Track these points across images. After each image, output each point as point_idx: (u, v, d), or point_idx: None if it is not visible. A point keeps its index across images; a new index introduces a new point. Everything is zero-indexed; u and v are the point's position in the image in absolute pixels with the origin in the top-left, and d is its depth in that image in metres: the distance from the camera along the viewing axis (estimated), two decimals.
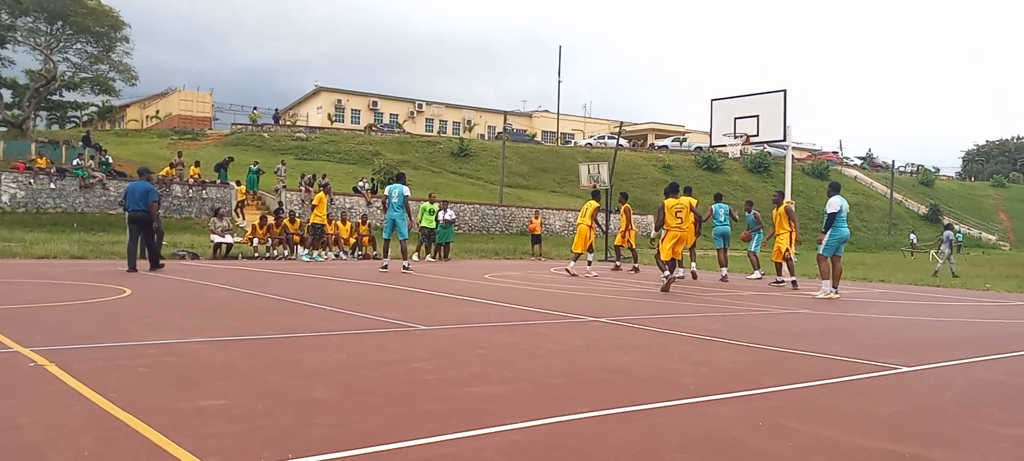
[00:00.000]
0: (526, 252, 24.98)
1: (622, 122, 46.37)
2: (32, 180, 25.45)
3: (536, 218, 26.11)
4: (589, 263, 16.43)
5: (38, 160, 27.47)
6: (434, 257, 20.83)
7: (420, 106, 66.53)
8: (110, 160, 29.96)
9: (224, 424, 3.35)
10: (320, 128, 53.55)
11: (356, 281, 12.30)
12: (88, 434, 3.11)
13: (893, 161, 63.76)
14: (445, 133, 62.56)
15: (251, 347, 5.60)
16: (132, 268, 12.63)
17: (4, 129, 36.44)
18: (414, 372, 4.79)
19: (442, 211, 21.12)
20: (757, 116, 15.91)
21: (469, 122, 65.49)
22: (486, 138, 61.97)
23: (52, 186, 25.86)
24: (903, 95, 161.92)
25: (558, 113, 66.74)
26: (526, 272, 16.46)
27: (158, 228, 14.01)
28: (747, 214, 16.76)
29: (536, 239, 25.25)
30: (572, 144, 62.82)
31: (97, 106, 47.42)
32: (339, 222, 21.60)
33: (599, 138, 61.82)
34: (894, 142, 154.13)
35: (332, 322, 7.21)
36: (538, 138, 63.54)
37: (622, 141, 48.44)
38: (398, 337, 6.34)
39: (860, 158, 72.70)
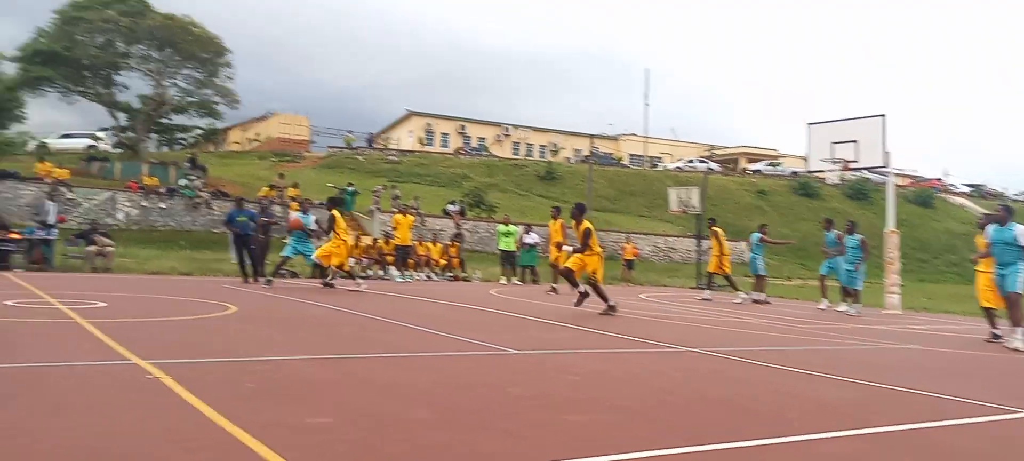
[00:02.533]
0: (615, 277, 24.74)
1: (712, 145, 45.55)
2: (144, 199, 26.99)
3: (628, 243, 25.83)
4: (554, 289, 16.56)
5: (149, 180, 29.13)
6: (521, 280, 20.89)
7: (507, 130, 67.20)
8: (206, 181, 31.47)
9: (330, 442, 3.43)
10: (411, 151, 54.79)
11: (446, 302, 12.45)
12: (204, 446, 3.25)
13: (1006, 189, 60.24)
14: (531, 156, 62.94)
15: (350, 366, 5.73)
16: (245, 279, 14.85)
17: (119, 151, 38.85)
18: (509, 397, 4.80)
19: (525, 234, 21.18)
20: (855, 141, 15.37)
21: (554, 145, 65.72)
22: (572, 161, 62.02)
23: (162, 205, 27.35)
24: (1012, 120, 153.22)
25: (645, 136, 66.16)
26: (615, 298, 16.28)
27: (261, 242, 15.40)
28: (827, 233, 16.04)
29: (629, 264, 24.97)
30: (660, 167, 62.11)
31: (202, 129, 49.97)
32: (430, 243, 21.98)
33: (688, 161, 60.90)
34: (1004, 169, 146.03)
35: (425, 343, 7.31)
36: (625, 161, 63.12)
37: (713, 165, 47.69)
38: (490, 360, 6.37)
39: (969, 185, 68.90)
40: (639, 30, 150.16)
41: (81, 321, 7.25)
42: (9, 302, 8.81)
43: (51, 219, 17.39)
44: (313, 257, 15.54)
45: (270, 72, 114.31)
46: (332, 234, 14.72)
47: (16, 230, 17.34)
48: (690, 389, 5.48)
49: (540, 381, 5.48)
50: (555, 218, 17.41)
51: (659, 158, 68.23)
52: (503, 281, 20.30)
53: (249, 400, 4.23)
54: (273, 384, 4.76)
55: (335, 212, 14.82)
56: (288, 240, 15.64)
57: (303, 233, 15.44)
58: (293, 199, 29.68)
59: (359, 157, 48.95)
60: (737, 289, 17.23)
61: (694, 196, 22.94)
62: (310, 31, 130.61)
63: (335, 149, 51.57)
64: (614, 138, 71.06)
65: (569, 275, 11.77)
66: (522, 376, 5.64)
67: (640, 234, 37.02)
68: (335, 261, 14.57)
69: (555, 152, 63.74)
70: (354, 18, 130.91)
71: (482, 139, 65.40)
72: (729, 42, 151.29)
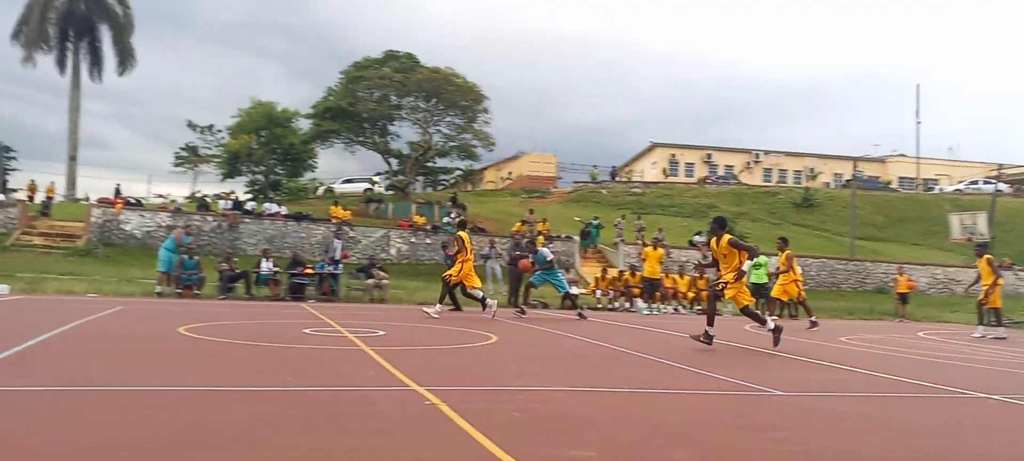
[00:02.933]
0: (886, 312, 22.55)
1: (1000, 165, 40.11)
2: (413, 236, 29.58)
3: (901, 274, 23.49)
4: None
5: (417, 219, 31.89)
6: (778, 314, 19.76)
7: (757, 156, 64.43)
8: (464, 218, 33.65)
9: None
10: (655, 182, 54.52)
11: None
12: None
13: None
14: (784, 183, 59.72)
15: (606, 399, 5.79)
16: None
17: (392, 193, 42.96)
18: (774, 442, 4.55)
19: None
20: None
21: (812, 170, 61.76)
22: (831, 186, 57.86)
23: (428, 241, 29.78)
24: None
25: (917, 157, 59.94)
26: (889, 335, 14.85)
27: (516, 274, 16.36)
28: None
29: (903, 298, 22.66)
30: (936, 190, 55.84)
31: (462, 170, 53.76)
32: (677, 275, 21.64)
33: (970, 183, 54.09)
34: None
35: (678, 379, 7.19)
36: (893, 185, 57.61)
37: (1001, 186, 41.94)
38: (751, 401, 6.09)
39: None
40: (908, 45, 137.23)
41: (365, 348, 8.08)
42: (307, 330, 10.07)
43: (337, 255, 19.65)
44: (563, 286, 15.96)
45: (521, 115, 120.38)
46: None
47: (310, 265, 19.82)
48: (989, 442, 4.82)
49: (808, 427, 5.14)
50: (782, 250, 16.51)
51: (934, 180, 61.41)
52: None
53: (517, 430, 4.44)
54: (536, 414, 4.95)
55: (462, 234, 15.08)
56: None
57: (549, 264, 15.94)
58: (540, 234, 30.86)
59: (603, 190, 49.66)
60: (996, 324, 15.34)
61: (981, 221, 20.34)
62: (556, 74, 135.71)
63: (581, 184, 52.84)
64: (880, 160, 65.23)
65: (749, 313, 10.52)
66: (787, 420, 5.34)
67: (915, 264, 33.43)
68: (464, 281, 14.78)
69: (813, 177, 59.95)
70: (598, 58, 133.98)
71: (730, 167, 63.32)
72: (1017, 51, 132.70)
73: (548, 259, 16.27)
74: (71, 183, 39.02)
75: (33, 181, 32.77)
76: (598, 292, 20.20)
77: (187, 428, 4.13)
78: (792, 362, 9.10)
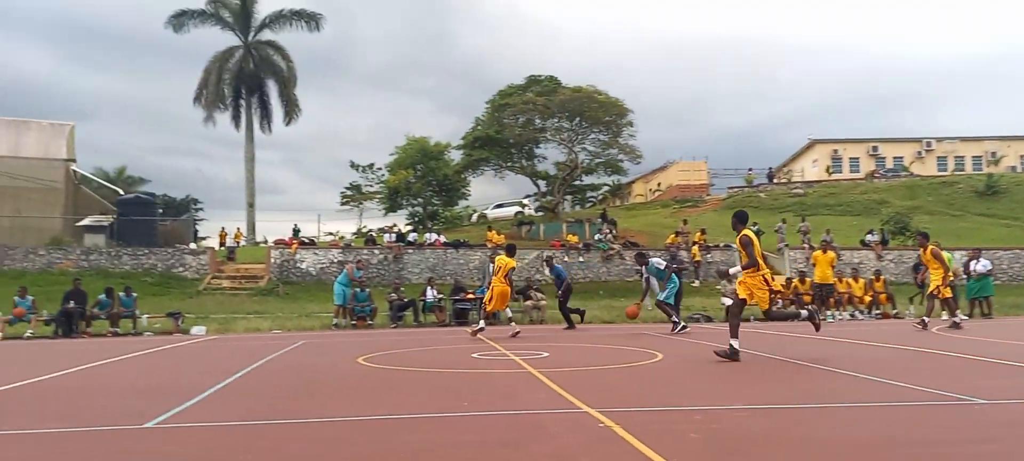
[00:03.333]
0: None
1: None
2: (565, 255, 29.72)
3: None
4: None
5: (569, 237, 32.02)
6: (969, 314, 18.11)
7: (928, 144, 59.63)
8: (616, 233, 33.35)
9: None
10: (817, 181, 51.76)
11: (878, 344, 11.34)
12: None
13: None
14: (962, 170, 54.85)
15: (788, 417, 5.51)
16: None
17: (541, 213, 43.43)
18: (983, 456, 4.15)
19: (974, 261, 18.37)
20: None
21: (994, 154, 56.33)
22: (1019, 170, 52.49)
23: (580, 259, 29.82)
24: None
25: None
26: None
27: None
28: None
29: None
30: None
31: (609, 185, 53.47)
32: (851, 279, 20.36)
33: None
34: None
35: (866, 390, 6.72)
36: None
37: None
38: (952, 412, 5.59)
39: None
40: None
41: (533, 371, 8.18)
42: (475, 355, 10.33)
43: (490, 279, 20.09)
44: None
45: (667, 125, 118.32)
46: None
47: (470, 290, 20.37)
48: None
49: (1022, 438, 4.65)
50: (923, 247, 14.99)
51: None
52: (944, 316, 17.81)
53: (697, 452, 4.31)
54: (715, 435, 4.79)
55: (499, 257, 14.72)
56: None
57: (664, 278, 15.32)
58: (695, 244, 30.05)
59: (761, 194, 47.74)
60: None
61: None
62: (701, 79, 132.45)
63: (735, 189, 51.05)
64: None
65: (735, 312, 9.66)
66: (998, 431, 4.85)
67: None
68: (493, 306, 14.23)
69: (995, 161, 54.69)
70: (744, 58, 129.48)
71: (899, 159, 59.02)
72: None
73: (661, 267, 15.62)
74: (251, 228, 42.45)
75: (224, 229, 36.03)
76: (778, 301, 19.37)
77: (375, 457, 4.33)
78: (996, 367, 8.28)
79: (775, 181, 53.97)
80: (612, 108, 39.92)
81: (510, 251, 15.02)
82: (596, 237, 32.16)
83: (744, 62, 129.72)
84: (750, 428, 5.05)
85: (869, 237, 31.26)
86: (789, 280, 20.56)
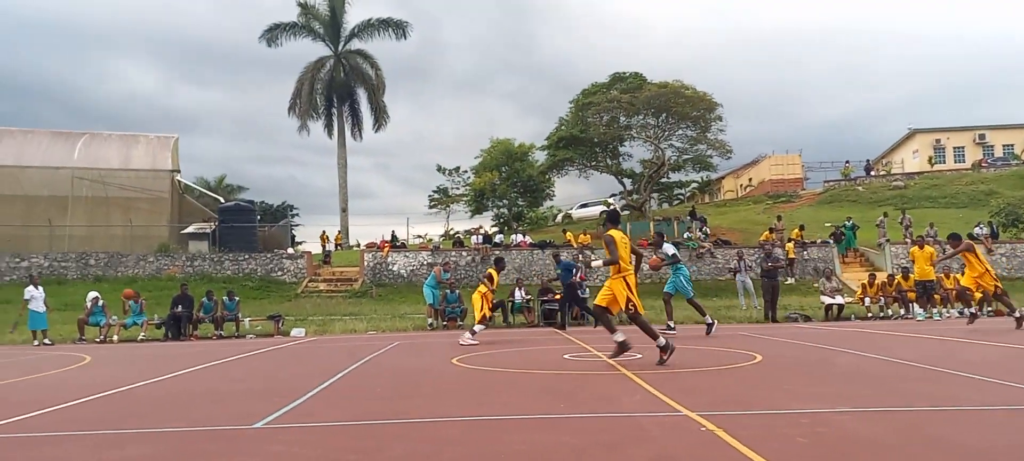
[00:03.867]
0: None
1: None
2: (654, 254, 29.30)
3: None
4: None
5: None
6: None
7: None
8: (708, 231, 32.62)
9: None
10: (919, 173, 49.36)
11: (990, 343, 10.70)
12: None
13: None
14: None
15: (900, 420, 5.26)
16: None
17: (627, 212, 43.01)
18: None
19: None
20: None
21: None
22: None
23: None
24: None
25: None
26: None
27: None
28: None
29: None
30: None
31: (697, 182, 52.46)
32: (959, 275, 19.27)
33: None
34: None
35: (982, 392, 6.34)
36: None
37: None
38: None
39: None
40: None
41: (627, 372, 8.09)
42: (567, 356, 10.31)
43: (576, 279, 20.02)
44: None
45: (757, 118, 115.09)
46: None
47: (558, 291, 20.34)
48: None
49: None
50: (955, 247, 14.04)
51: None
52: None
53: (806, 457, 4.17)
54: (824, 439, 4.61)
55: (490, 273, 14.08)
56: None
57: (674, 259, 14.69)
58: (791, 241, 29.10)
59: (859, 187, 45.88)
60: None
61: None
62: (792, 70, 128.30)
63: (832, 183, 49.22)
64: None
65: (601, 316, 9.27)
66: None
67: None
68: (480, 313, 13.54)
69: None
70: (837, 48, 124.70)
71: (1008, 146, 55.59)
72: None
73: (670, 253, 14.84)
74: (344, 232, 43.66)
75: (325, 231, 37.34)
76: (866, 300, 18.56)
77: (479, 459, 4.38)
78: None
79: (873, 173, 51.75)
80: (700, 103, 39.16)
81: (498, 265, 14.61)
82: (685, 235, 31.59)
83: (836, 51, 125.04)
84: (860, 432, 4.84)
85: (977, 230, 29.56)
86: (891, 277, 19.64)
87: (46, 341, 17.02)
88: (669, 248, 14.86)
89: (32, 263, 27.50)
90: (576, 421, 5.50)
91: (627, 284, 8.88)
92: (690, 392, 6.69)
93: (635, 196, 44.44)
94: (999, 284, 13.89)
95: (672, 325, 14.41)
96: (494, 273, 14.12)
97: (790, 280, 26.91)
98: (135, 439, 5.31)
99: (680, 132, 41.26)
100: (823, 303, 18.43)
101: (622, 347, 9.10)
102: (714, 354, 10.15)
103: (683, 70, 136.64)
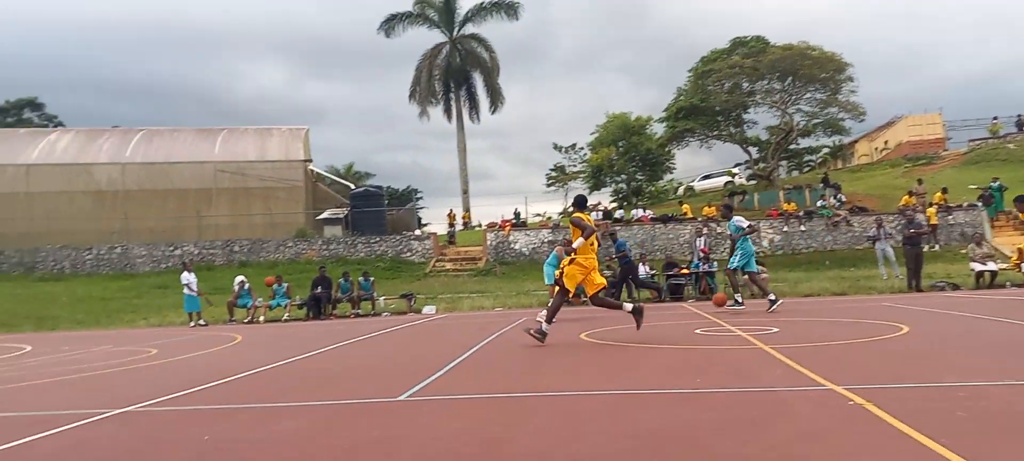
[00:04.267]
0: None
1: None
2: (785, 225, 28.23)
3: None
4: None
5: (786, 206, 30.35)
6: None
7: None
8: (843, 198, 31.01)
9: None
10: None
11: None
12: None
13: None
14: None
15: None
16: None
17: (754, 182, 41.53)
18: None
19: None
20: None
21: None
22: None
23: (801, 228, 28.17)
24: None
25: None
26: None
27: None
28: None
29: None
30: None
31: (828, 147, 49.87)
32: None
33: None
34: None
35: None
36: None
37: None
38: None
39: None
40: None
41: (764, 346, 7.89)
42: (698, 331, 10.16)
43: (698, 253, 19.69)
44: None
45: (891, 77, 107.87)
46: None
47: (684, 266, 20.01)
48: None
49: None
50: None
51: None
52: None
53: (965, 431, 3.96)
54: (985, 413, 4.37)
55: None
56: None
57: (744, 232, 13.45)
58: (932, 206, 27.25)
59: (1010, 145, 42.24)
60: None
61: None
62: (928, 23, 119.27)
63: (977, 141, 45.56)
64: None
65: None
66: None
67: None
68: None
69: None
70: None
71: None
72: None
73: (744, 226, 13.54)
74: (466, 213, 44.57)
75: (452, 210, 38.48)
76: (1023, 265, 17.17)
77: (618, 434, 4.42)
78: None
79: None
80: (828, 64, 37.12)
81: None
82: (818, 203, 30.21)
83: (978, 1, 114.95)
84: (1019, 404, 4.54)
85: None
86: None
87: (201, 322, 18.40)
88: (741, 221, 13.74)
89: (184, 251, 29.74)
90: (715, 396, 5.44)
91: (582, 266, 9.30)
92: (834, 366, 6.46)
93: (762, 165, 42.78)
94: None
95: (739, 300, 13.56)
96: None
97: (934, 247, 25.25)
98: (291, 412, 5.69)
99: (808, 96, 39.27)
100: (973, 270, 17.18)
101: (636, 313, 9.34)
102: (856, 326, 9.72)
103: (807, 30, 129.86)
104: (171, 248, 30.16)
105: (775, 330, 9.52)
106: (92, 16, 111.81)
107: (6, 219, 30.71)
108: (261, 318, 19.07)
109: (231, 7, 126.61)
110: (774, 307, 12.54)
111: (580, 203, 10.16)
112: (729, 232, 14.21)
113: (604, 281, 9.78)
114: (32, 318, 20.27)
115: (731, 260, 13.64)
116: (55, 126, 50.75)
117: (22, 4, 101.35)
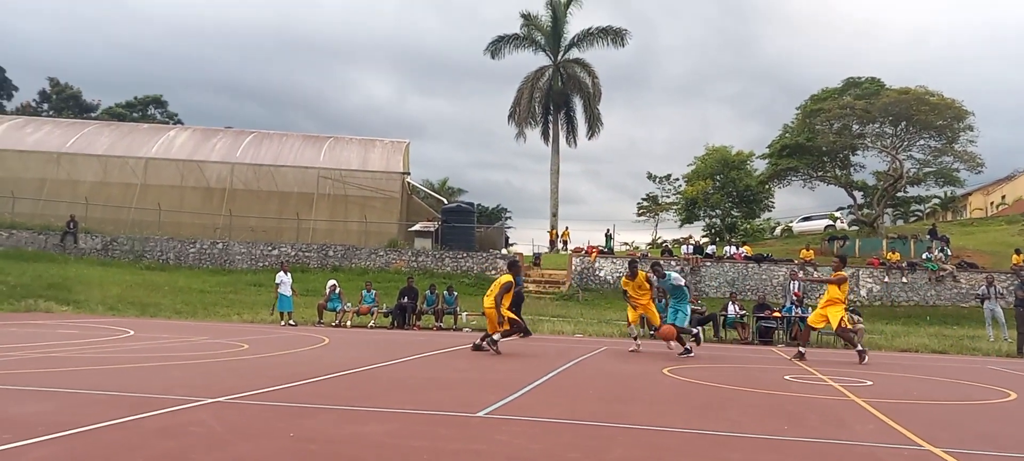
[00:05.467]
0: None
1: None
2: (886, 275, 27.00)
3: None
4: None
5: (889, 255, 29.02)
6: None
7: None
8: (950, 252, 29.39)
9: None
10: None
11: None
12: None
13: None
14: None
15: None
16: None
17: (857, 228, 39.94)
18: None
19: None
20: None
21: None
22: None
23: (903, 280, 26.90)
24: None
25: None
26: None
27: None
28: None
29: None
30: None
31: (940, 198, 47.56)
32: None
33: None
34: None
35: None
36: None
37: None
38: None
39: None
40: None
41: (856, 399, 7.56)
42: (787, 377, 9.82)
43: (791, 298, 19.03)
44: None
45: (1016, 127, 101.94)
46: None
47: (775, 308, 19.39)
48: None
49: None
50: None
51: None
52: None
53: None
54: None
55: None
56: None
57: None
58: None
59: None
60: None
61: None
62: None
63: None
64: None
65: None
66: None
67: None
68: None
69: None
70: None
71: None
72: None
73: (676, 284, 12.81)
74: (555, 236, 44.62)
75: (554, 228, 38.44)
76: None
77: None
78: None
79: None
80: (947, 110, 35.46)
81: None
82: (924, 256, 28.77)
83: None
84: None
85: None
86: None
87: (291, 322, 19.05)
88: (674, 278, 13.03)
89: (281, 252, 30.92)
90: (804, 445, 5.26)
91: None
92: (931, 425, 6.13)
93: (866, 211, 41.17)
94: None
95: (690, 348, 12.61)
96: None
97: None
98: (374, 417, 5.83)
99: (921, 142, 37.67)
100: None
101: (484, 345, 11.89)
102: (958, 387, 9.19)
103: (924, 72, 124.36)
104: (269, 248, 31.39)
105: (869, 383, 9.12)
106: (214, 19, 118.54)
107: (123, 208, 32.73)
108: (348, 323, 19.60)
109: (350, 18, 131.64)
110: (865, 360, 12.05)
111: (512, 266, 13.16)
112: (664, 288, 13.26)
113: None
114: (137, 304, 21.46)
115: (672, 315, 12.78)
116: (175, 123, 53.92)
117: (158, 6, 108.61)
